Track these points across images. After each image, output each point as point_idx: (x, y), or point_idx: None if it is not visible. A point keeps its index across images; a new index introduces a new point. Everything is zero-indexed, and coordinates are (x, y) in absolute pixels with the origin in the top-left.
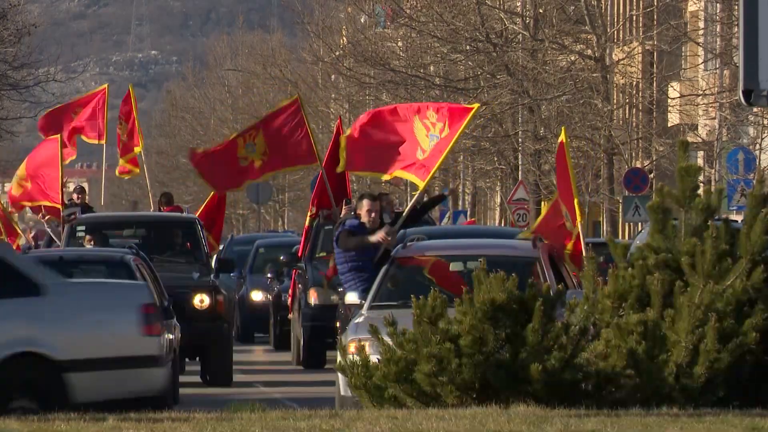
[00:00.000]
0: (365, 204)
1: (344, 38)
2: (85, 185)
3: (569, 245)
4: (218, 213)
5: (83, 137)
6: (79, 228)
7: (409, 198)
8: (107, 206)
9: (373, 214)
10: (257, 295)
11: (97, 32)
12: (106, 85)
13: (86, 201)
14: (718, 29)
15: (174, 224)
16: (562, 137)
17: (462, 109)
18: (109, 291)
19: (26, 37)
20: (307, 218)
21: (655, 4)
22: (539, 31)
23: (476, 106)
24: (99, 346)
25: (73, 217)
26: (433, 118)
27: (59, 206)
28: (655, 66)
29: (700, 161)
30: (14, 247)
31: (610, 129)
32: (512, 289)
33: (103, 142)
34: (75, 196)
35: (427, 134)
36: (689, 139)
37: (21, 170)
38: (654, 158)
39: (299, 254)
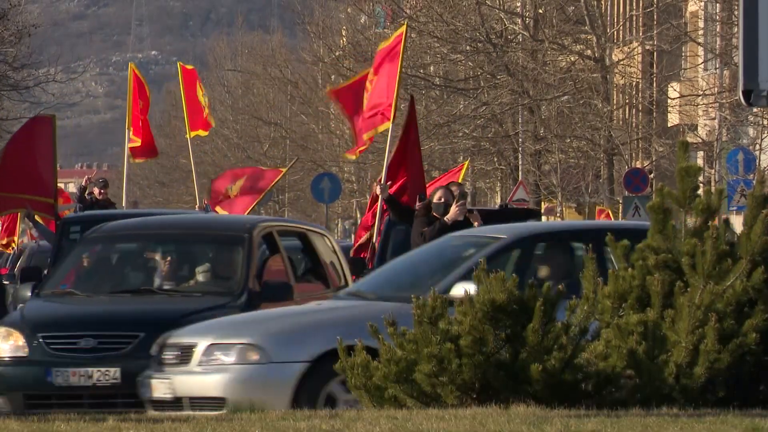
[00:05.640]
0: None
1: (344, 39)
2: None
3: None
4: None
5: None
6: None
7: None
8: None
9: None
10: None
11: (97, 32)
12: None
13: (109, 197)
14: (718, 29)
15: None
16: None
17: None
18: None
19: (26, 37)
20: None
21: (655, 4)
22: (539, 32)
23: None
24: None
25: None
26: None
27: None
28: (655, 66)
29: (700, 161)
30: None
31: (610, 129)
32: (512, 289)
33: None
34: (96, 191)
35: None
36: (689, 140)
37: None
38: (654, 158)
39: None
